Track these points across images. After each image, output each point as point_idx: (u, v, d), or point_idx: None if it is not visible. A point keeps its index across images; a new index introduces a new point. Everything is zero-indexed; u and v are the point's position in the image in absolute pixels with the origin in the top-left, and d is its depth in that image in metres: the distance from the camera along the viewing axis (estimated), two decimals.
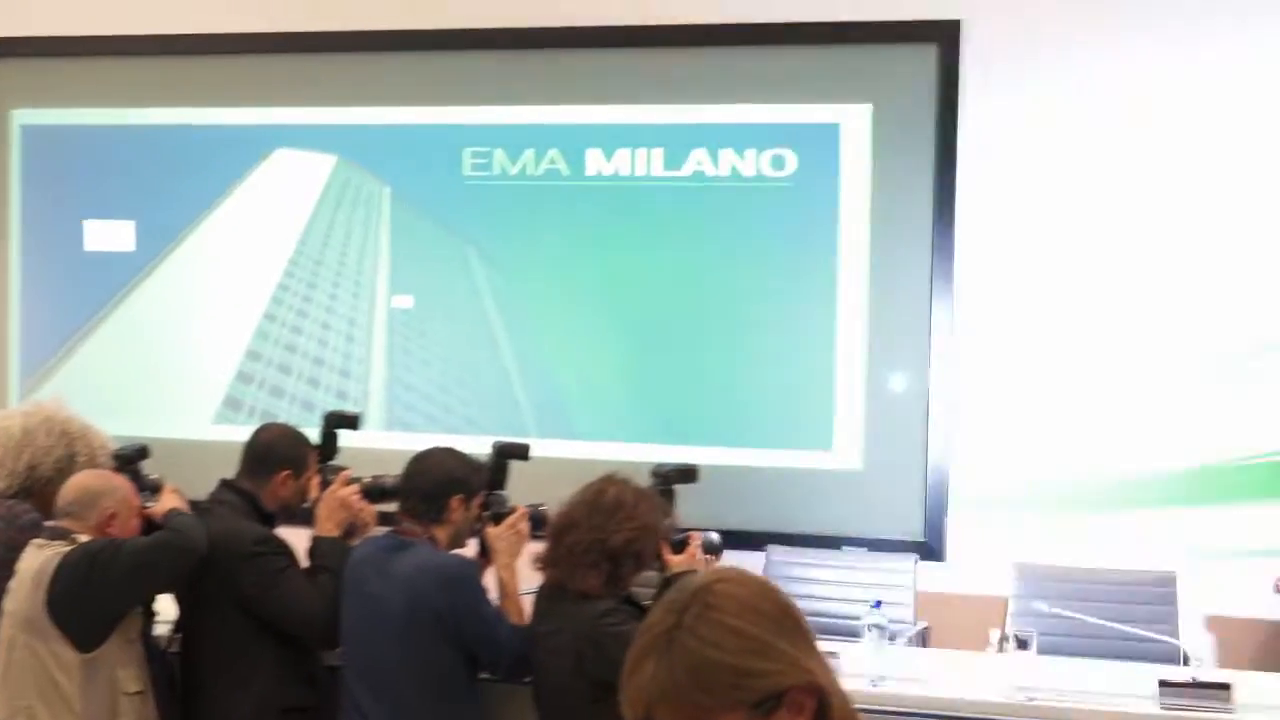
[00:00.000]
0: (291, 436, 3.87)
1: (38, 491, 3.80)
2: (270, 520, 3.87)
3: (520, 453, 3.99)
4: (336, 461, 4.11)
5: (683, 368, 5.83)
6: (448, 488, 3.69)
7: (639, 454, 5.53)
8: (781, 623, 1.57)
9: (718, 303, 5.82)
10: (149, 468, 4.13)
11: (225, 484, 3.86)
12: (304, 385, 6.14)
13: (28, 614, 3.45)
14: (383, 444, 5.79)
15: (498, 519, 3.86)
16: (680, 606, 1.57)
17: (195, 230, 6.31)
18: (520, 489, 4.11)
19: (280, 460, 3.84)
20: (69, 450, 3.82)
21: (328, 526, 3.85)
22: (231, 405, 6.16)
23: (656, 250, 5.86)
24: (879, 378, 5.77)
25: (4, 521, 3.67)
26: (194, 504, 3.82)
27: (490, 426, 5.79)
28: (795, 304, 5.72)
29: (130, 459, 4.00)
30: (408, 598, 3.60)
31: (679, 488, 3.90)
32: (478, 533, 3.85)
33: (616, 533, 3.43)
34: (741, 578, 1.62)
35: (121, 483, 3.64)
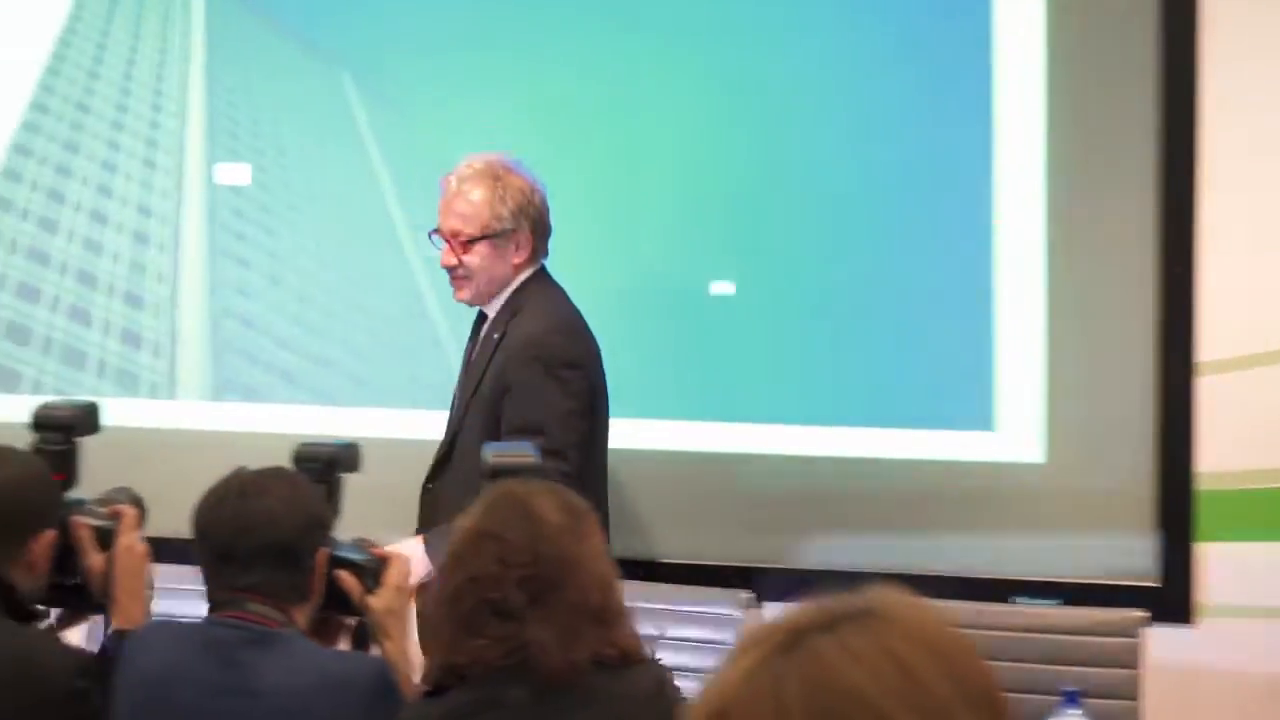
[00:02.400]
0: (38, 470, 3.65)
1: None
2: (32, 618, 3.63)
3: (349, 462, 3.83)
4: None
5: (731, 302, 5.57)
6: (310, 537, 3.55)
7: (670, 437, 5.47)
8: (964, 681, 1.64)
9: (790, 186, 5.54)
10: None
11: None
12: (64, 321, 5.88)
13: None
14: (203, 423, 5.56)
15: (371, 578, 3.73)
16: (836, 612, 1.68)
17: None
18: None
19: (36, 513, 3.60)
20: None
21: (134, 611, 3.67)
22: None
23: (680, 98, 5.54)
24: (1069, 314, 5.49)
25: None
26: None
27: (395, 393, 5.55)
28: (922, 196, 5.47)
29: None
30: None
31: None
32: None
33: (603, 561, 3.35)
34: (917, 602, 1.72)
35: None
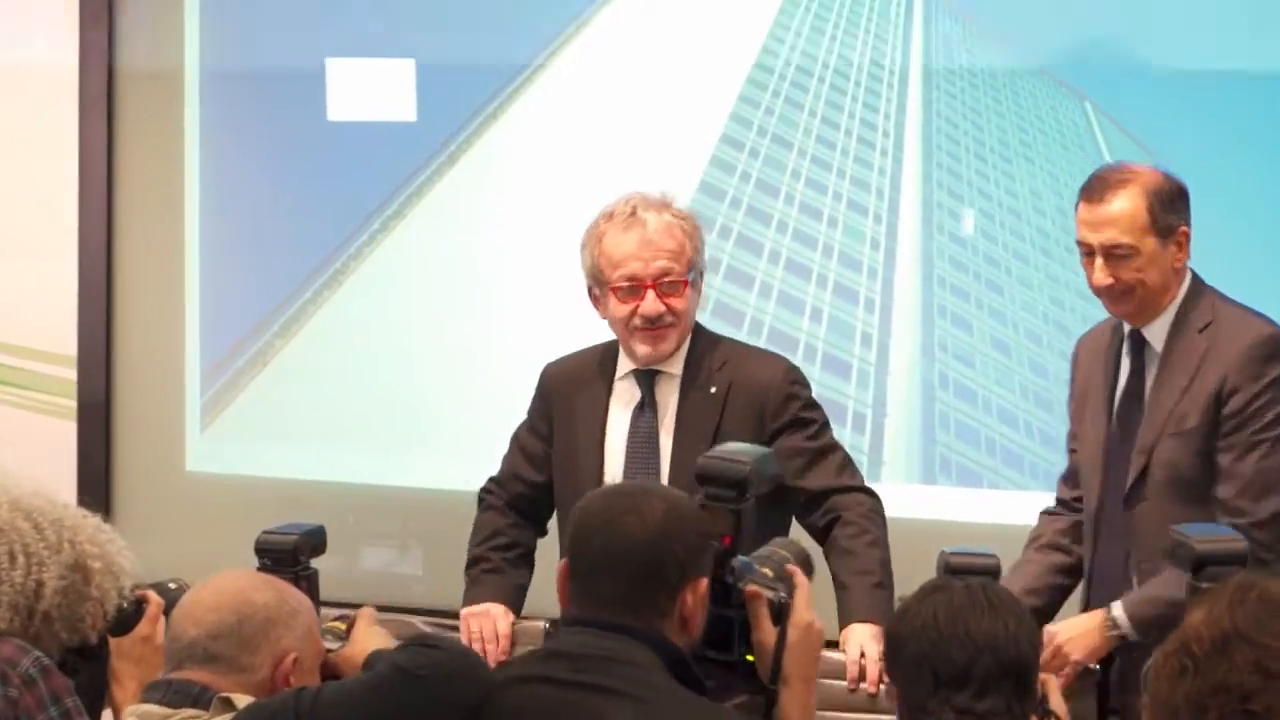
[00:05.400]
0: (684, 509, 3.50)
1: (32, 634, 3.68)
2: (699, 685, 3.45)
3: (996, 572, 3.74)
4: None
5: None
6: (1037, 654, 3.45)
7: None
8: None
9: None
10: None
11: (602, 629, 3.41)
12: None
13: None
14: (912, 510, 5.32)
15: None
16: None
17: (537, 79, 6.17)
18: None
19: (683, 559, 3.44)
20: (75, 552, 3.72)
21: (808, 698, 3.59)
22: None
23: None
24: None
25: None
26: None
27: None
28: None
29: (291, 555, 3.88)
30: None
31: None
32: None
33: None
34: None
35: (302, 601, 3.56)
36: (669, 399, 4.46)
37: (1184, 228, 4.16)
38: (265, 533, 3.95)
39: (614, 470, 4.46)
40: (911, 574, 5.12)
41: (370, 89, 6.18)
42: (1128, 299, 4.20)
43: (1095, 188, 4.21)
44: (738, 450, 3.71)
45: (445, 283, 6.05)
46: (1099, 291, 4.20)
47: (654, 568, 3.40)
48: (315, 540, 3.94)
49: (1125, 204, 4.17)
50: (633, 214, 4.41)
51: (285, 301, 6.19)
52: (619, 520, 3.45)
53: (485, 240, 6.00)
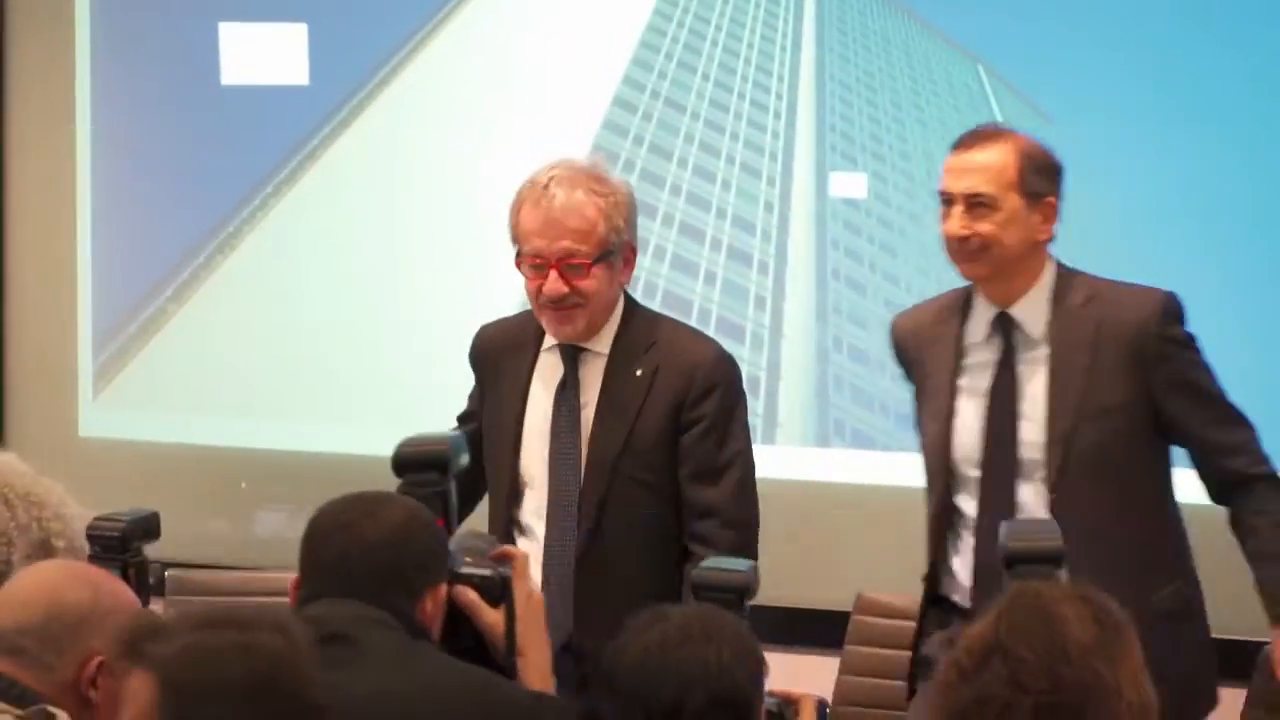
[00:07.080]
0: (424, 517, 3.53)
1: None
2: None
3: (752, 589, 3.54)
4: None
5: None
6: (758, 688, 3.39)
7: None
8: None
9: None
10: None
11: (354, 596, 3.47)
12: None
13: None
14: (807, 473, 5.47)
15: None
16: None
17: (430, 43, 6.17)
18: None
19: (425, 566, 3.50)
20: (42, 531, 3.74)
21: (544, 664, 3.67)
22: None
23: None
24: None
25: None
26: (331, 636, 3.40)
27: None
28: None
29: (120, 542, 3.78)
30: None
31: None
32: None
33: None
34: None
35: (120, 599, 3.46)
36: (594, 378, 4.33)
37: (1052, 199, 4.06)
38: (96, 519, 3.84)
39: (532, 449, 4.32)
40: (805, 536, 5.20)
41: (263, 53, 6.09)
42: (982, 258, 4.06)
43: (966, 139, 4.12)
44: (431, 435, 3.71)
45: (339, 247, 6.01)
46: (951, 244, 4.07)
47: (392, 572, 3.37)
48: (146, 526, 3.85)
49: (994, 155, 4.06)
50: (545, 187, 4.21)
51: (178, 267, 6.13)
52: (356, 524, 3.38)
53: (378, 204, 5.96)
